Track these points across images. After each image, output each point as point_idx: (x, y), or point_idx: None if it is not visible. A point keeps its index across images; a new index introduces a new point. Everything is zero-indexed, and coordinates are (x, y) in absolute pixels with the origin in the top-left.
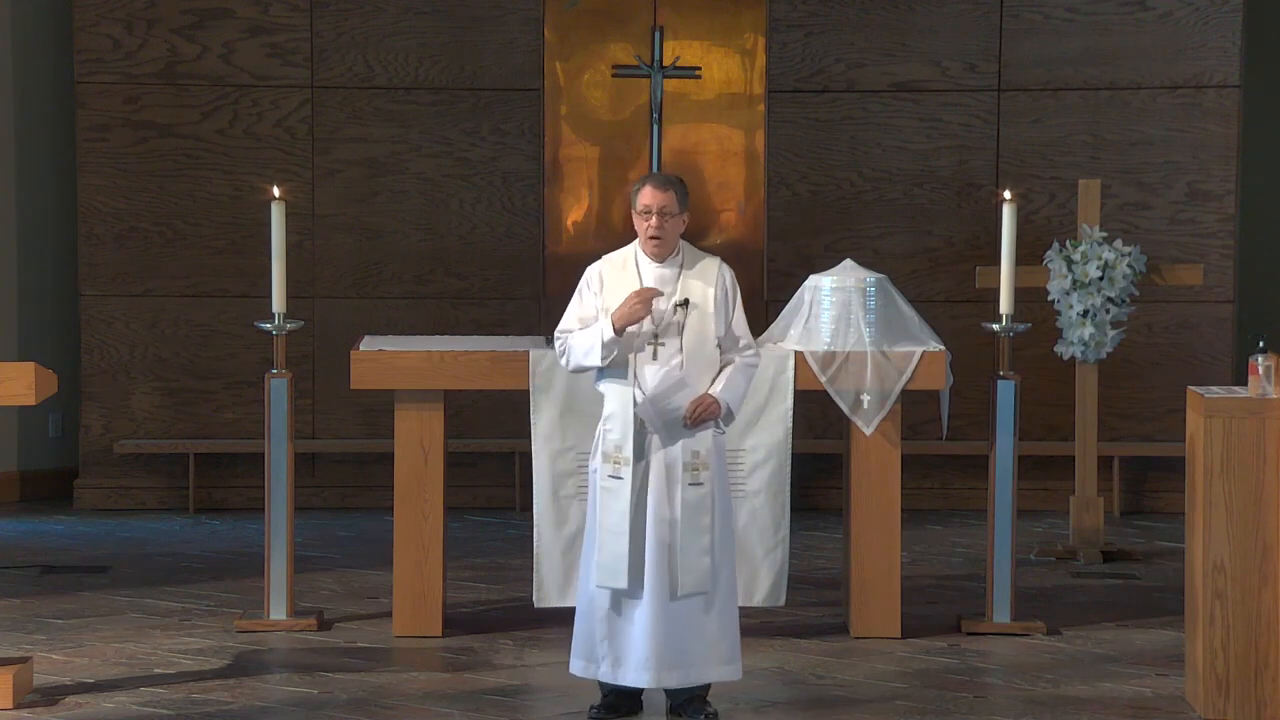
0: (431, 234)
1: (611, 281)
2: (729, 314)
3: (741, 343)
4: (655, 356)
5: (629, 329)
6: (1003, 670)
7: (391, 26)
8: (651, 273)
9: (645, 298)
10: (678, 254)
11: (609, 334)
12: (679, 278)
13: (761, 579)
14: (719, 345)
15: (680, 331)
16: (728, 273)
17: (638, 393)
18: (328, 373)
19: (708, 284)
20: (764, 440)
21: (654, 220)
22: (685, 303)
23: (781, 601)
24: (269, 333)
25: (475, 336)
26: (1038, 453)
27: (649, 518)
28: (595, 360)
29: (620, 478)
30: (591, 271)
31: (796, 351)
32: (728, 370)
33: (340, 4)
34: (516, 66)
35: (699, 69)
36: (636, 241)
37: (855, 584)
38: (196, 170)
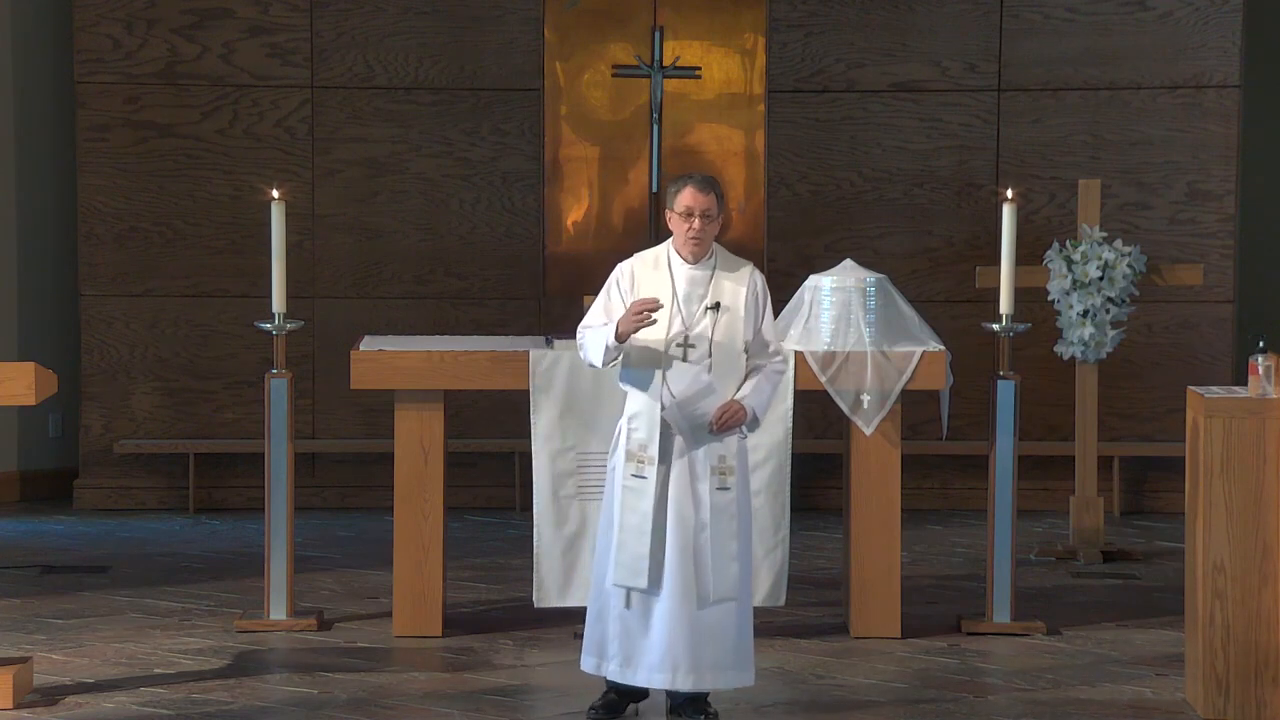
0: (431, 234)
1: (643, 280)
2: (758, 319)
3: (770, 348)
4: (685, 358)
5: (635, 338)
6: (1003, 670)
7: (391, 26)
8: (684, 274)
9: (644, 308)
10: (711, 256)
11: (611, 339)
12: (711, 280)
13: (761, 579)
14: (746, 350)
15: (710, 334)
16: (759, 278)
17: (665, 394)
18: (328, 373)
19: (739, 288)
20: (764, 440)
21: (696, 223)
22: (716, 306)
23: (781, 601)
24: (269, 333)
25: (475, 336)
26: (1038, 453)
27: (671, 519)
28: (596, 360)
29: (644, 477)
30: (623, 268)
31: (796, 351)
32: (755, 376)
33: (340, 4)
34: (516, 66)
35: (699, 69)
36: (669, 241)
37: (855, 584)
38: (196, 170)
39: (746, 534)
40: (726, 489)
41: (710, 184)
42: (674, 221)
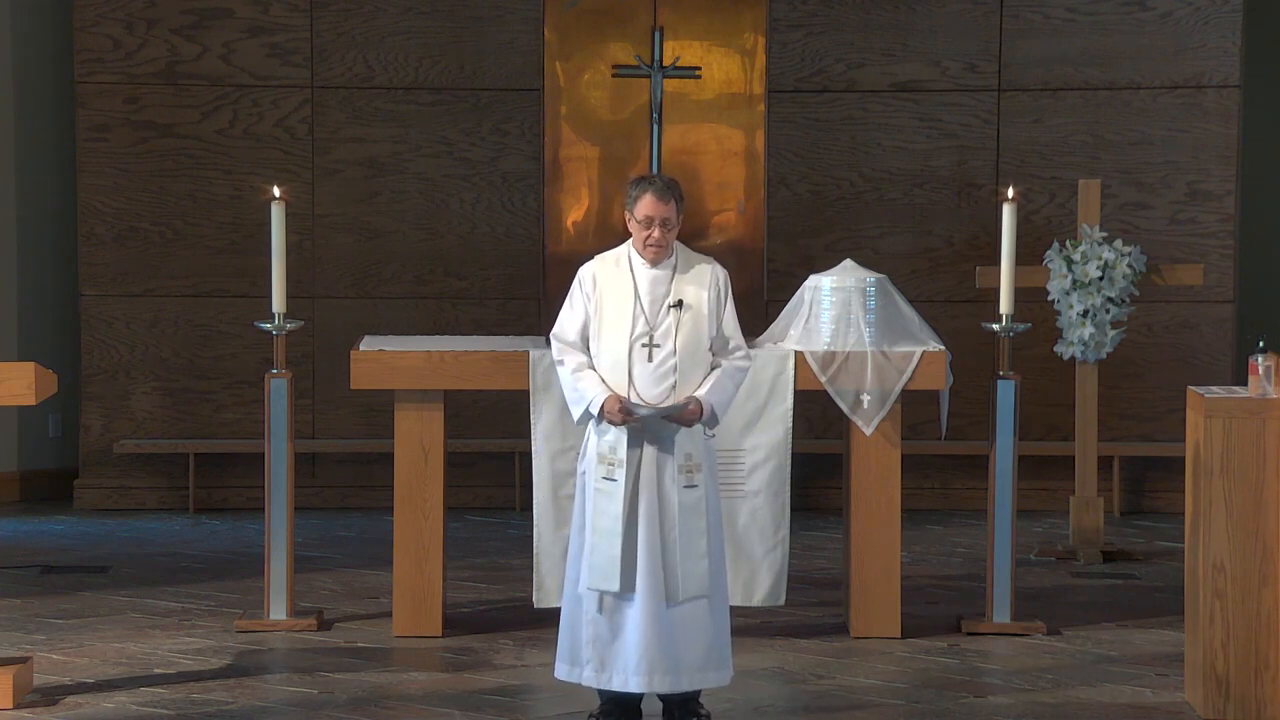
0: (431, 234)
1: (605, 281)
2: (721, 315)
3: (731, 344)
4: (650, 358)
5: (601, 340)
6: (1003, 670)
7: (391, 26)
8: (646, 274)
9: (619, 410)
10: (671, 255)
11: (595, 409)
12: (673, 279)
13: (761, 579)
14: (711, 347)
15: (675, 333)
16: (721, 274)
17: (632, 394)
18: (328, 373)
19: (701, 286)
20: (764, 440)
21: (655, 232)
22: (679, 304)
23: (781, 601)
24: (269, 333)
25: (475, 336)
26: (1038, 453)
27: (641, 520)
28: (572, 414)
29: (614, 480)
30: (584, 271)
31: (796, 351)
32: (715, 373)
33: (340, 4)
34: (516, 66)
35: (699, 69)
36: (630, 241)
37: (855, 584)
38: (196, 170)
39: (717, 532)
40: (694, 486)
41: (670, 191)
42: (633, 226)
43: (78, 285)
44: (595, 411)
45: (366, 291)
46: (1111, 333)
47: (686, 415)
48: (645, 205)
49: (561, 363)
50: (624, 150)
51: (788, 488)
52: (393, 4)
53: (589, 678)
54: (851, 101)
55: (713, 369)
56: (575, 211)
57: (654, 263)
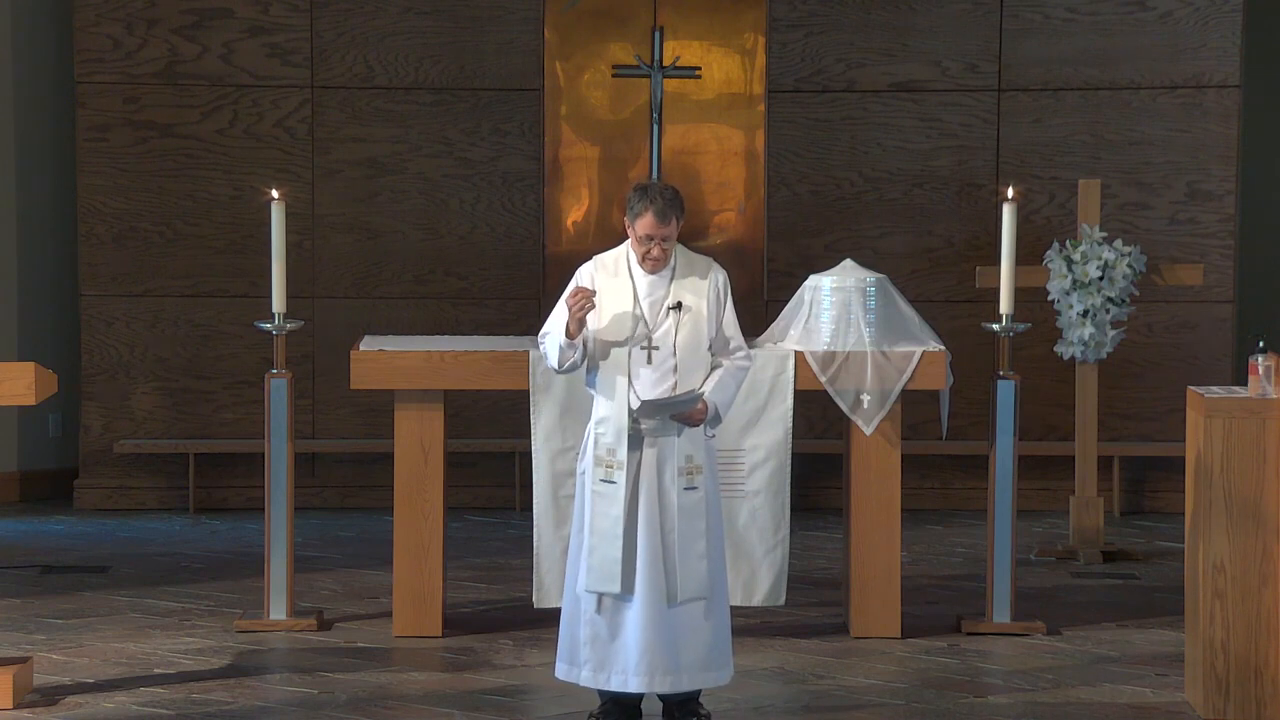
0: (431, 234)
1: (604, 285)
2: (720, 316)
3: (732, 344)
4: (650, 360)
5: (599, 339)
6: (1003, 670)
7: (391, 26)
8: (644, 276)
9: (579, 301)
10: (670, 259)
11: (563, 338)
12: (671, 281)
13: (761, 579)
14: (711, 348)
15: (674, 335)
16: (720, 275)
17: (632, 397)
18: (328, 373)
19: (701, 287)
20: (764, 440)
21: (654, 250)
22: (678, 305)
23: (781, 601)
24: (269, 333)
25: (475, 336)
26: (1038, 453)
27: (641, 521)
28: (553, 362)
29: (613, 482)
30: (583, 272)
31: (796, 351)
32: (717, 372)
33: (340, 4)
34: (516, 66)
35: (699, 69)
36: (628, 243)
37: (855, 584)
38: (196, 170)
39: (717, 533)
40: (694, 488)
41: (670, 212)
42: (633, 238)
43: (78, 285)
44: (563, 339)
45: (366, 291)
46: (1111, 333)
47: (694, 415)
48: (645, 225)
49: (543, 346)
50: (624, 150)
51: (788, 488)
52: (393, 4)
53: (587, 678)
54: (851, 101)
55: (713, 369)
56: (575, 211)
57: (653, 272)
